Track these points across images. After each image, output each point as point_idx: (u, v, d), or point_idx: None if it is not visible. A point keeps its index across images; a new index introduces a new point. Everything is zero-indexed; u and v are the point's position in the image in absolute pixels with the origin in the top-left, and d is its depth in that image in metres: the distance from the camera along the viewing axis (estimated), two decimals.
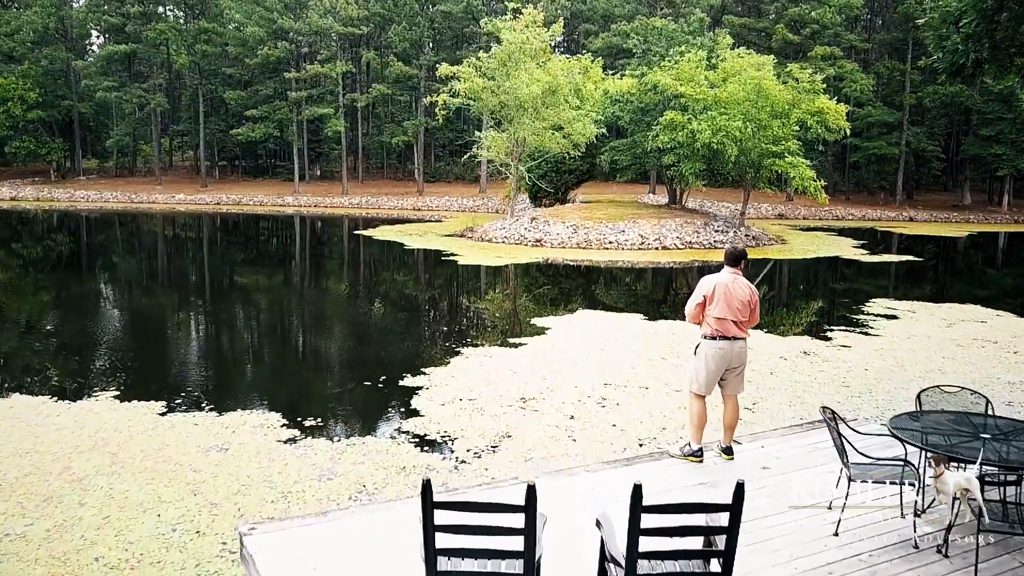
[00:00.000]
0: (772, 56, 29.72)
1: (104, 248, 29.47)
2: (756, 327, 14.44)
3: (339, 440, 7.62)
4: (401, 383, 9.68)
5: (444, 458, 7.15)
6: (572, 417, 8.30)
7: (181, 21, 65.80)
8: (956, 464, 4.13)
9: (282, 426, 8.03)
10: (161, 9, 63.29)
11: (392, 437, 7.71)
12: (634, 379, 9.89)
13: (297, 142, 58.54)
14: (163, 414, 8.42)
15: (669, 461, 5.69)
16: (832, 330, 13.56)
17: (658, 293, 19.83)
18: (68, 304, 16.75)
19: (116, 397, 8.97)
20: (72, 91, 63.27)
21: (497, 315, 15.73)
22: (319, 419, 8.34)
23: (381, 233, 33.73)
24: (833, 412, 4.44)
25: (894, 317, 14.84)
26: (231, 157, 70.69)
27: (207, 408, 8.65)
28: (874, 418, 8.54)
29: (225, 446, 7.39)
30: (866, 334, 13.16)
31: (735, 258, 5.72)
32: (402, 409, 8.67)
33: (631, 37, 39.99)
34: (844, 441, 4.33)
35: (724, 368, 5.64)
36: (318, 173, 69.74)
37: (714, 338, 5.58)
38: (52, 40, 63.32)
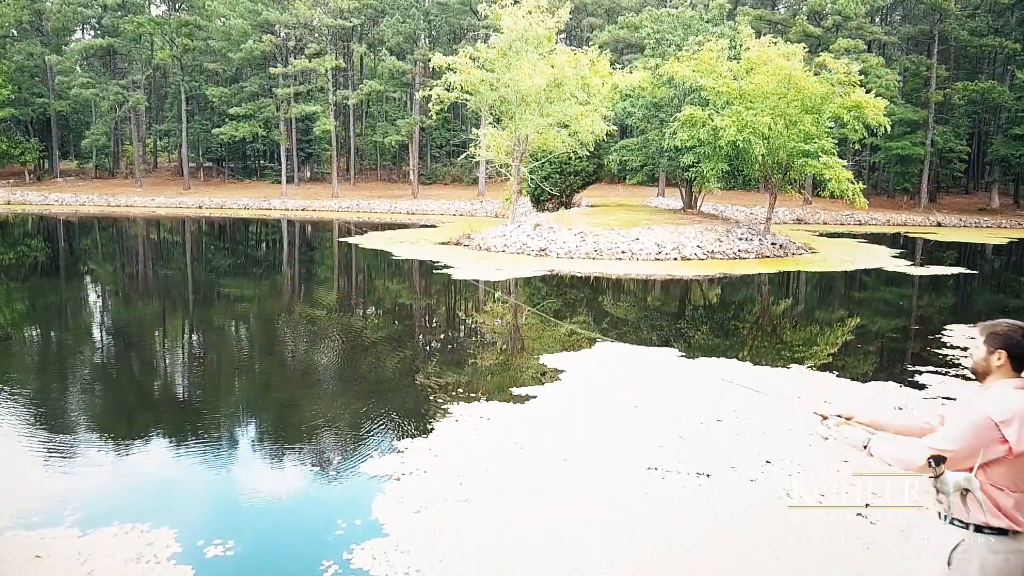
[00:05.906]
0: (801, 44, 26.81)
1: (49, 260, 26.64)
2: (821, 368, 11.10)
3: None
4: (361, 468, 6.87)
5: None
6: (609, 540, 5.50)
7: (162, 14, 62.94)
8: None
9: (169, 558, 5.22)
10: (142, 1, 60.34)
11: None
12: (687, 458, 7.08)
13: (285, 142, 55.66)
14: None
15: None
16: (919, 372, 10.73)
17: (687, 316, 16.80)
18: None
19: None
20: (48, 88, 60.34)
21: (496, 349, 12.90)
22: (229, 543, 5.48)
23: (369, 241, 30.94)
24: None
25: None
26: (217, 158, 67.81)
27: (70, 517, 5.83)
28: None
29: None
30: (965, 378, 10.34)
31: None
32: (357, 522, 5.83)
33: (643, 27, 37.16)
34: None
35: None
36: (308, 175, 66.90)
37: (1006, 533, 2.81)
38: (27, 34, 60.43)
